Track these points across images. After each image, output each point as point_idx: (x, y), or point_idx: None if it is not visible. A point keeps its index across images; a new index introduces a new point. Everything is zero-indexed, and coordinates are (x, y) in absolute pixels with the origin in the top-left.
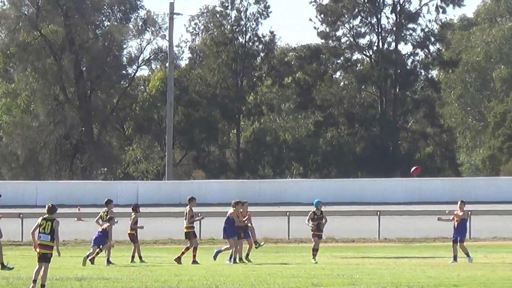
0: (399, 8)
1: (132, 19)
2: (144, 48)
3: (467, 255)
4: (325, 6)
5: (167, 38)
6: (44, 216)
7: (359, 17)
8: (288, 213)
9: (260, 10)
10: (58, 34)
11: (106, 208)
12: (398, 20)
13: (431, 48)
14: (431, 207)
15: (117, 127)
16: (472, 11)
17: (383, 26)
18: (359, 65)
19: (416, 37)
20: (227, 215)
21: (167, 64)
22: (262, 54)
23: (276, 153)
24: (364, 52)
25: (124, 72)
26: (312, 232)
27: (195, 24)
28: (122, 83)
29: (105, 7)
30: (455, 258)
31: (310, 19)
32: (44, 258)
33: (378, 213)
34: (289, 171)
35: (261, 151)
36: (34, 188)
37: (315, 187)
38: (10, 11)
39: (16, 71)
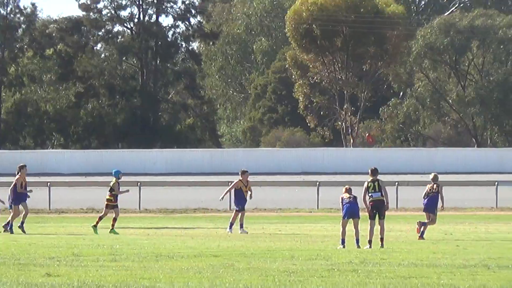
0: None
1: None
2: None
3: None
4: None
5: None
6: None
7: None
8: (48, 183)
9: None
10: None
11: None
12: None
13: (192, 20)
14: (192, 178)
15: None
16: None
17: None
18: (120, 37)
19: (177, 9)
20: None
21: None
22: (23, 26)
23: (37, 124)
24: (125, 24)
25: None
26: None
27: None
28: None
29: None
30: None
31: None
32: None
33: (139, 183)
34: (50, 142)
35: (22, 122)
36: None
37: (75, 158)
38: None
39: None
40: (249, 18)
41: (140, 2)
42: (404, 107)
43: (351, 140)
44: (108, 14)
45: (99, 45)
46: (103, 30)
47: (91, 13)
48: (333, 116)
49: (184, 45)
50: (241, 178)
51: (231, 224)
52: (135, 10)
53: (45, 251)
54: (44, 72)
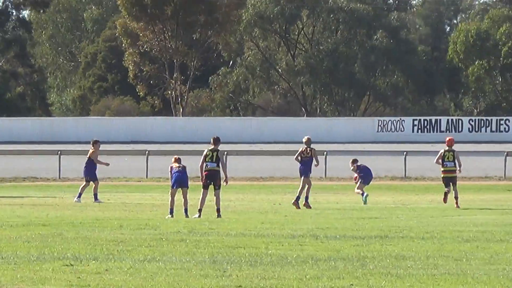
0: None
1: None
2: None
3: None
4: None
5: None
6: None
7: None
8: None
9: None
10: None
11: None
12: None
13: None
14: (21, 146)
15: None
16: None
17: None
18: None
19: None
20: None
21: None
22: None
23: None
24: None
25: None
26: None
27: None
28: None
29: None
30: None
31: None
32: None
33: None
34: None
35: None
36: None
37: None
38: None
39: None
40: None
41: None
42: (234, 76)
43: (181, 109)
44: None
45: None
46: None
47: None
48: (163, 85)
49: (14, 13)
50: (93, 149)
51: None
52: None
53: None
54: None
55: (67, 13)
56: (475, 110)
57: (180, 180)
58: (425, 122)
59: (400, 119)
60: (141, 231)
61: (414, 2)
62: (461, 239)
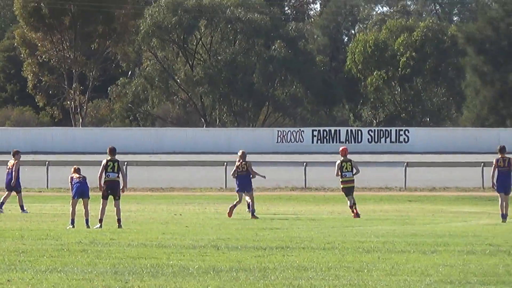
0: None
1: None
2: None
3: None
4: None
5: None
6: None
7: None
8: None
9: None
10: None
11: None
12: None
13: None
14: None
15: None
16: None
17: None
18: None
19: None
20: None
21: None
22: None
23: None
24: None
25: None
26: None
27: None
28: None
29: None
30: None
31: None
32: None
33: None
34: None
35: None
36: None
37: None
38: None
39: None
40: None
41: None
42: (132, 86)
43: (80, 120)
44: None
45: None
46: None
47: None
48: (62, 95)
49: None
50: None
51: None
52: None
53: None
54: None
55: None
56: (374, 121)
57: (81, 191)
58: (325, 132)
59: (300, 129)
60: (43, 241)
61: (312, 12)
62: (362, 249)
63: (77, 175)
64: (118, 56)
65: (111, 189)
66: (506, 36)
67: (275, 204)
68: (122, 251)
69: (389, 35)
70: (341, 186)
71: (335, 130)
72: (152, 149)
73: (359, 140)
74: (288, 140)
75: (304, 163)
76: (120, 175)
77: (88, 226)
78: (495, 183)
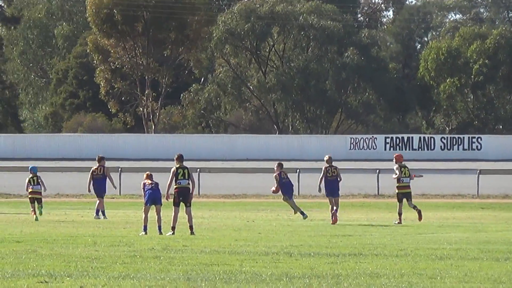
0: None
1: None
2: None
3: None
4: None
5: None
6: None
7: None
8: None
9: None
10: None
11: None
12: None
13: None
14: None
15: None
16: None
17: None
18: None
19: None
20: None
21: None
22: None
23: None
24: None
25: None
26: None
27: None
28: None
29: None
30: None
31: None
32: None
33: None
34: None
35: None
36: None
37: None
38: None
39: None
40: (50, 2)
41: None
42: (205, 93)
43: (153, 126)
44: None
45: None
46: None
47: None
48: (134, 101)
49: None
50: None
51: (98, 211)
52: None
53: None
54: None
55: (38, 29)
56: (447, 128)
57: (154, 197)
58: (397, 140)
59: (373, 136)
60: (115, 248)
61: (385, 19)
62: (435, 256)
63: (150, 182)
64: (190, 63)
65: (183, 196)
66: None
67: (348, 211)
68: (194, 257)
69: (462, 42)
70: (397, 191)
71: (408, 138)
72: (224, 156)
73: (432, 148)
74: (361, 147)
75: (377, 170)
76: (190, 181)
77: (160, 233)
78: None
